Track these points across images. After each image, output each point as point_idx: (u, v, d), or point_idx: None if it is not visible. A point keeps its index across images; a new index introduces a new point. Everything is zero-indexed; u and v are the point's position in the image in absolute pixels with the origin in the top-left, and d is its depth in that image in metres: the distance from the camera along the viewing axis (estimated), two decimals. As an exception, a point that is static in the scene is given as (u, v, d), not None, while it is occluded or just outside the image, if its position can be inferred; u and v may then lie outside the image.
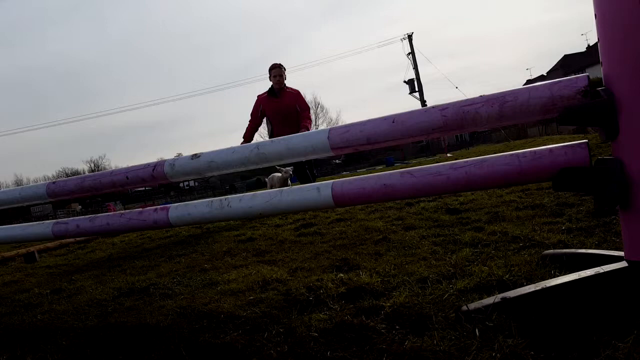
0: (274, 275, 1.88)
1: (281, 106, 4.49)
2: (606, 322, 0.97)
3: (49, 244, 4.55)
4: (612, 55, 1.04)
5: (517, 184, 1.23)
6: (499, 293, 1.17)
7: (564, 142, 1.15)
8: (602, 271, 1.09)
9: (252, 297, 1.64)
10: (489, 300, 1.14)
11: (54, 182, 1.94)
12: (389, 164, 20.38)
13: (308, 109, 4.63)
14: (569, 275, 1.13)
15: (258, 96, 4.65)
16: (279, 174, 4.39)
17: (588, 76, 1.06)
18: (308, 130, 4.37)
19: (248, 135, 4.70)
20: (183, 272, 2.36)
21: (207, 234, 3.86)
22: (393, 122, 1.25)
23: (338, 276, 1.71)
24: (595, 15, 1.07)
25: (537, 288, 1.12)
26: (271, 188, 3.43)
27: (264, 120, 4.77)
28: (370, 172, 1.60)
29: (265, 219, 4.04)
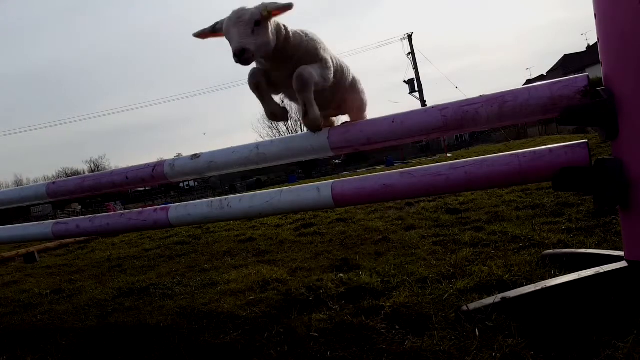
0: (274, 275, 1.88)
1: None
2: (606, 322, 0.97)
3: (49, 244, 4.55)
4: (612, 55, 1.04)
5: (517, 184, 1.23)
6: (499, 293, 1.17)
7: (564, 142, 1.14)
8: (602, 271, 1.09)
9: (252, 297, 1.64)
10: (489, 300, 1.14)
11: (54, 182, 1.94)
12: (389, 164, 20.35)
13: None
14: (569, 275, 1.13)
15: None
16: None
17: (588, 76, 1.06)
18: None
19: None
20: (183, 272, 2.36)
21: (207, 234, 3.86)
22: (393, 122, 1.25)
23: (338, 276, 1.71)
24: (595, 15, 1.07)
25: (537, 288, 1.12)
26: None
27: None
28: (370, 172, 1.59)
29: (265, 218, 4.04)
